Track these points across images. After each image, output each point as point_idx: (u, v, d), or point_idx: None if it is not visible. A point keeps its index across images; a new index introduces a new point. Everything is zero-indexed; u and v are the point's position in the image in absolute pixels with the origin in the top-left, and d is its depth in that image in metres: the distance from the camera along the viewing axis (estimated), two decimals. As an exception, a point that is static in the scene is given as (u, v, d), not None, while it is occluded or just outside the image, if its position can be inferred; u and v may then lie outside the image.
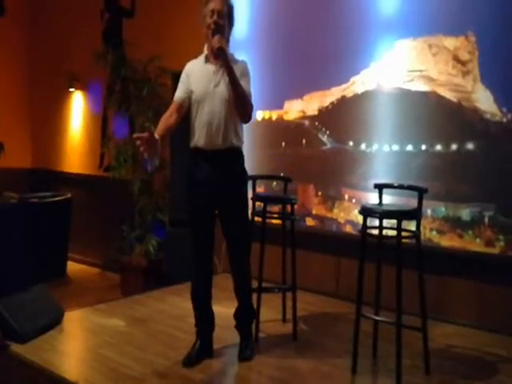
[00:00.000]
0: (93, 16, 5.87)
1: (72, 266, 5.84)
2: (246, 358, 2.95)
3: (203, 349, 2.96)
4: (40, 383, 2.78)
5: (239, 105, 2.78)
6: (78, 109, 6.33)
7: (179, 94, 2.90)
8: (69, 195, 5.72)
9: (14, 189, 5.62)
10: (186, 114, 2.92)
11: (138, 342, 3.16)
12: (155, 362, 2.88)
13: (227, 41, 2.88)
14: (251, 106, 2.86)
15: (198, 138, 2.85)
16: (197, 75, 2.87)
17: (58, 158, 6.54)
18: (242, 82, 2.79)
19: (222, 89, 2.81)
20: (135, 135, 2.69)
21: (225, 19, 2.81)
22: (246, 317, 3.07)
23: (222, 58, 2.74)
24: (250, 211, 3.12)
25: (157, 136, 2.73)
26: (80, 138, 6.32)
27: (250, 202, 3.24)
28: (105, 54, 5.23)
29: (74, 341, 3.37)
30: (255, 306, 3.17)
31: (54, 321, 3.36)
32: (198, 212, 2.91)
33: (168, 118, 2.88)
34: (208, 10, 2.79)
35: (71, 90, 6.23)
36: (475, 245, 3.56)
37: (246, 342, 3.02)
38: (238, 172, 2.91)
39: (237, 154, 2.91)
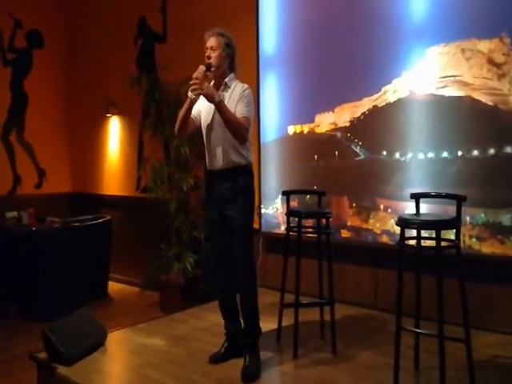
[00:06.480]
0: (127, 42, 6.07)
1: (112, 286, 5.97)
2: (245, 380, 2.86)
3: (230, 348, 3.16)
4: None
5: (229, 130, 2.93)
6: (114, 133, 6.46)
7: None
8: (108, 217, 5.85)
9: (55, 213, 5.81)
10: (194, 129, 3.16)
11: (180, 361, 3.18)
12: (197, 381, 2.89)
13: (231, 68, 3.07)
14: (242, 129, 2.94)
15: (207, 161, 3.13)
16: (205, 102, 2.98)
17: (97, 181, 6.69)
18: (239, 105, 2.95)
19: None
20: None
21: (218, 51, 2.99)
22: (247, 335, 3.08)
23: (200, 95, 2.89)
24: (253, 226, 3.16)
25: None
26: (117, 161, 6.45)
27: (283, 218, 3.25)
28: (139, 78, 5.36)
29: (117, 361, 3.41)
30: (292, 320, 3.18)
31: (98, 342, 3.41)
32: (210, 226, 3.19)
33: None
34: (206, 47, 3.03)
35: (108, 115, 6.37)
36: (517, 251, 3.45)
37: (248, 362, 2.97)
38: (240, 188, 3.02)
39: (240, 171, 3.04)
